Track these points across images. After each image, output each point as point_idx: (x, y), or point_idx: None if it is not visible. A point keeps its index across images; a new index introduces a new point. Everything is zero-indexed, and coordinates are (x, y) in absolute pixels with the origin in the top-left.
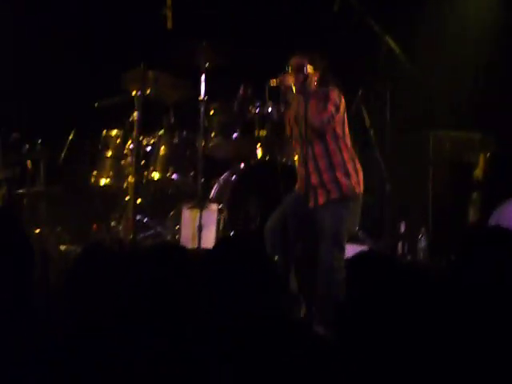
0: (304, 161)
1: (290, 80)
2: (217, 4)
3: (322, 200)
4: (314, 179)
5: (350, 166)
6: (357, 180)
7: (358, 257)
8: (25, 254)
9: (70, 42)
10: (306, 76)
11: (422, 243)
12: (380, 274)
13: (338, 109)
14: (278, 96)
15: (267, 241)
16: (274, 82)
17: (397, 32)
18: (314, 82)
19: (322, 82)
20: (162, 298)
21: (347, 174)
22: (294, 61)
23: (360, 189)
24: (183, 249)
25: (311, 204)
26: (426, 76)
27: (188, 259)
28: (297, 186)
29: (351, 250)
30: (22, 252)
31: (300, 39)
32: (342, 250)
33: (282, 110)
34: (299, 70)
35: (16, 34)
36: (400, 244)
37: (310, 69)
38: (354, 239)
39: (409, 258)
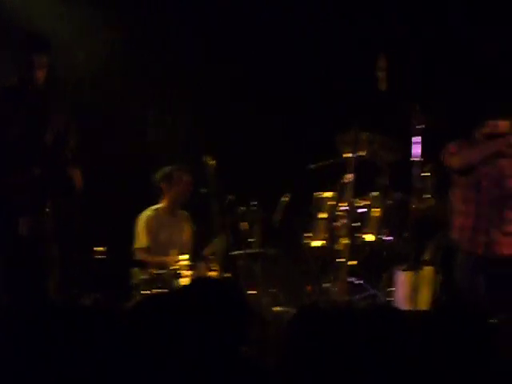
0: None
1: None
2: (431, 67)
3: None
4: None
5: None
6: None
7: None
8: (243, 317)
9: (282, 104)
10: None
11: None
12: None
13: None
14: None
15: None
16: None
17: None
18: None
19: None
20: (378, 359)
21: None
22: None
23: None
24: (398, 310)
25: None
26: None
27: (403, 321)
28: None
29: None
30: (240, 315)
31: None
32: None
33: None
34: None
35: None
36: None
37: None
38: None
39: None
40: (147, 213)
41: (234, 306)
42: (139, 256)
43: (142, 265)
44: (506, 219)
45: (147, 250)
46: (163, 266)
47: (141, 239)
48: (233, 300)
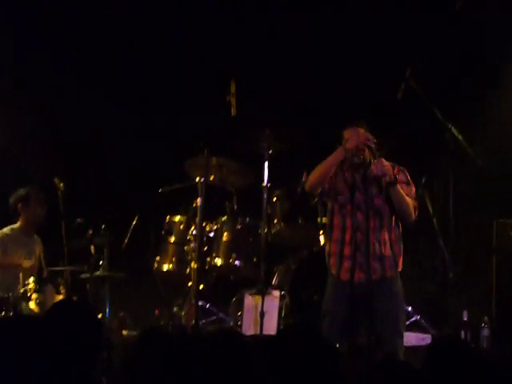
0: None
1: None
2: (279, 91)
3: (390, 272)
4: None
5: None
6: None
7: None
8: (93, 341)
9: (133, 128)
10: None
11: (485, 331)
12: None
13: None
14: None
15: (329, 327)
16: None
17: (460, 120)
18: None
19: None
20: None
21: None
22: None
23: None
24: (242, 336)
25: (375, 276)
26: (490, 163)
27: (247, 346)
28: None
29: (414, 338)
30: (90, 339)
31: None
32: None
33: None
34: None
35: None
36: (463, 332)
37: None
38: (417, 327)
39: (472, 346)
40: (4, 231)
41: (90, 331)
42: None
43: None
44: (370, 243)
45: None
46: (10, 266)
47: None
48: (88, 325)
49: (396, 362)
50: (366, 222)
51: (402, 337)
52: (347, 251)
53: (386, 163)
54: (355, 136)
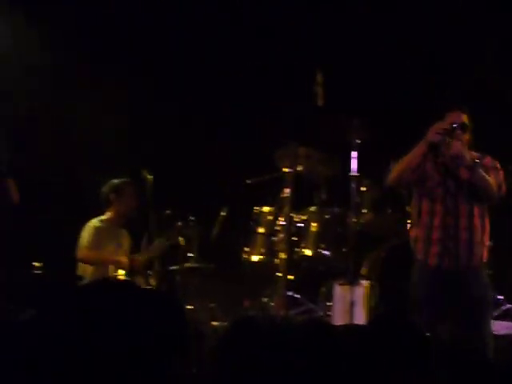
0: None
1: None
2: (367, 80)
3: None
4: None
5: None
6: None
7: None
8: (181, 333)
9: (221, 119)
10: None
11: None
12: None
13: None
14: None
15: (417, 314)
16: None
17: None
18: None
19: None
20: (313, 374)
21: None
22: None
23: None
24: (334, 325)
25: (463, 263)
26: None
27: (338, 336)
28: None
29: (505, 326)
30: (179, 331)
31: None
32: None
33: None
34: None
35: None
36: None
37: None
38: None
39: None
40: (95, 223)
41: (173, 319)
42: (83, 253)
43: (80, 279)
44: (460, 228)
45: (90, 248)
46: (105, 263)
47: (86, 239)
48: (171, 313)
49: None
50: (456, 207)
51: (488, 326)
52: (435, 236)
53: (462, 146)
54: (454, 118)
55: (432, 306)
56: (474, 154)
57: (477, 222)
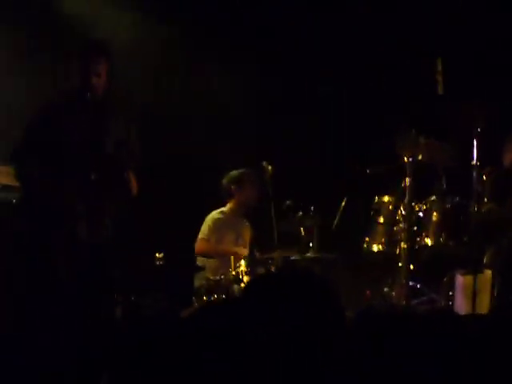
0: None
1: None
2: (489, 68)
3: None
4: None
5: None
6: None
7: None
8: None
9: (342, 109)
10: None
11: None
12: None
13: None
14: None
15: None
16: None
17: None
18: None
19: None
20: (436, 362)
21: None
22: None
23: None
24: (457, 315)
25: None
26: None
27: (462, 325)
28: None
29: None
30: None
31: None
32: None
33: None
34: None
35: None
36: None
37: None
38: None
39: None
40: (215, 214)
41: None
42: (201, 246)
43: (201, 269)
44: None
45: (209, 241)
46: (224, 255)
47: (205, 232)
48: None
49: None
50: None
51: None
52: None
53: None
54: None
55: None
56: None
57: None
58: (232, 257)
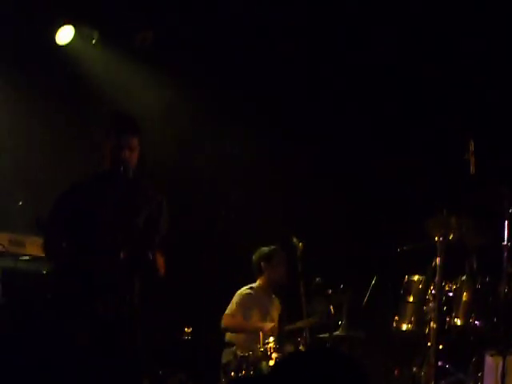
0: None
1: None
2: None
3: None
4: None
5: None
6: None
7: None
8: None
9: (372, 187)
10: None
11: None
12: None
13: None
14: None
15: None
16: None
17: None
18: None
19: None
20: None
21: None
22: None
23: None
24: None
25: None
26: None
27: None
28: None
29: None
30: None
31: None
32: None
33: None
34: None
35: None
36: None
37: None
38: None
39: None
40: (244, 290)
41: None
42: (226, 321)
43: (231, 345)
44: None
45: (235, 316)
46: (249, 330)
47: (232, 307)
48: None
49: None
50: None
51: None
52: None
53: None
54: None
55: None
56: None
57: None
58: (261, 333)
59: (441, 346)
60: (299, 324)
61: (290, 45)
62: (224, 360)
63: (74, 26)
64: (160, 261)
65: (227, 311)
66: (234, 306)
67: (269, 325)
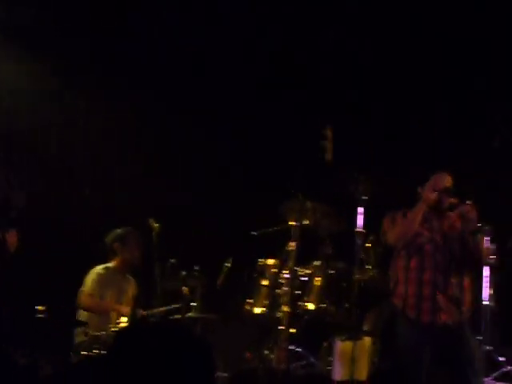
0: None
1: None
2: (375, 136)
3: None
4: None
5: None
6: None
7: None
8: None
9: (230, 171)
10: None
11: None
12: None
13: None
14: None
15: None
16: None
17: None
18: None
19: None
20: None
21: None
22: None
23: None
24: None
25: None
26: None
27: None
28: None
29: None
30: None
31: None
32: None
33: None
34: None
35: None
36: None
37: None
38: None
39: None
40: (98, 270)
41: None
42: (84, 300)
43: (82, 324)
44: (450, 284)
45: (92, 296)
46: (106, 311)
47: (88, 285)
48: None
49: None
50: (445, 264)
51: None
52: (426, 292)
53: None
54: (439, 181)
55: (425, 364)
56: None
57: (463, 280)
58: (113, 313)
59: (293, 330)
60: (152, 312)
61: None
62: (76, 340)
63: None
64: (11, 237)
65: (84, 288)
66: (90, 284)
67: (125, 308)
